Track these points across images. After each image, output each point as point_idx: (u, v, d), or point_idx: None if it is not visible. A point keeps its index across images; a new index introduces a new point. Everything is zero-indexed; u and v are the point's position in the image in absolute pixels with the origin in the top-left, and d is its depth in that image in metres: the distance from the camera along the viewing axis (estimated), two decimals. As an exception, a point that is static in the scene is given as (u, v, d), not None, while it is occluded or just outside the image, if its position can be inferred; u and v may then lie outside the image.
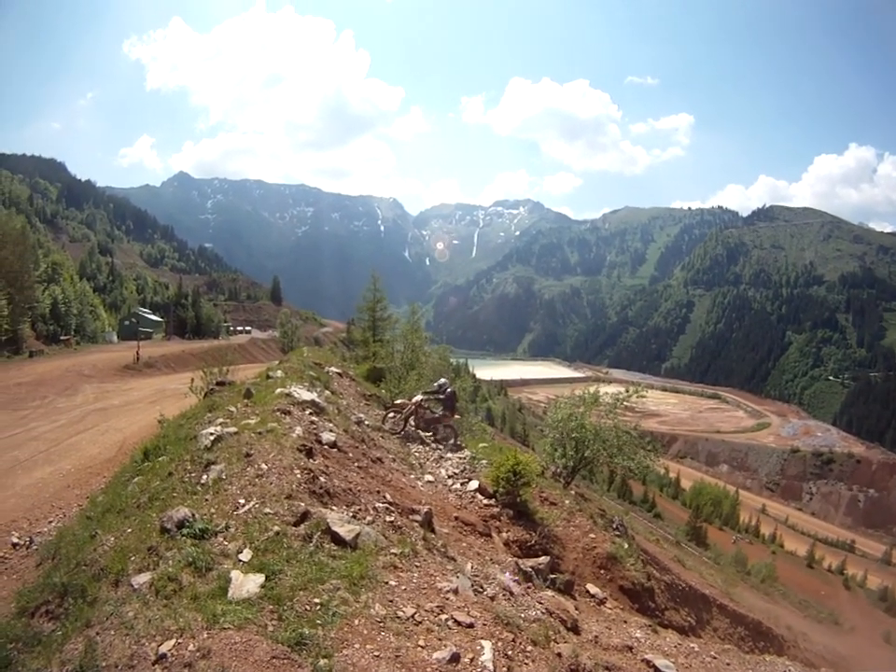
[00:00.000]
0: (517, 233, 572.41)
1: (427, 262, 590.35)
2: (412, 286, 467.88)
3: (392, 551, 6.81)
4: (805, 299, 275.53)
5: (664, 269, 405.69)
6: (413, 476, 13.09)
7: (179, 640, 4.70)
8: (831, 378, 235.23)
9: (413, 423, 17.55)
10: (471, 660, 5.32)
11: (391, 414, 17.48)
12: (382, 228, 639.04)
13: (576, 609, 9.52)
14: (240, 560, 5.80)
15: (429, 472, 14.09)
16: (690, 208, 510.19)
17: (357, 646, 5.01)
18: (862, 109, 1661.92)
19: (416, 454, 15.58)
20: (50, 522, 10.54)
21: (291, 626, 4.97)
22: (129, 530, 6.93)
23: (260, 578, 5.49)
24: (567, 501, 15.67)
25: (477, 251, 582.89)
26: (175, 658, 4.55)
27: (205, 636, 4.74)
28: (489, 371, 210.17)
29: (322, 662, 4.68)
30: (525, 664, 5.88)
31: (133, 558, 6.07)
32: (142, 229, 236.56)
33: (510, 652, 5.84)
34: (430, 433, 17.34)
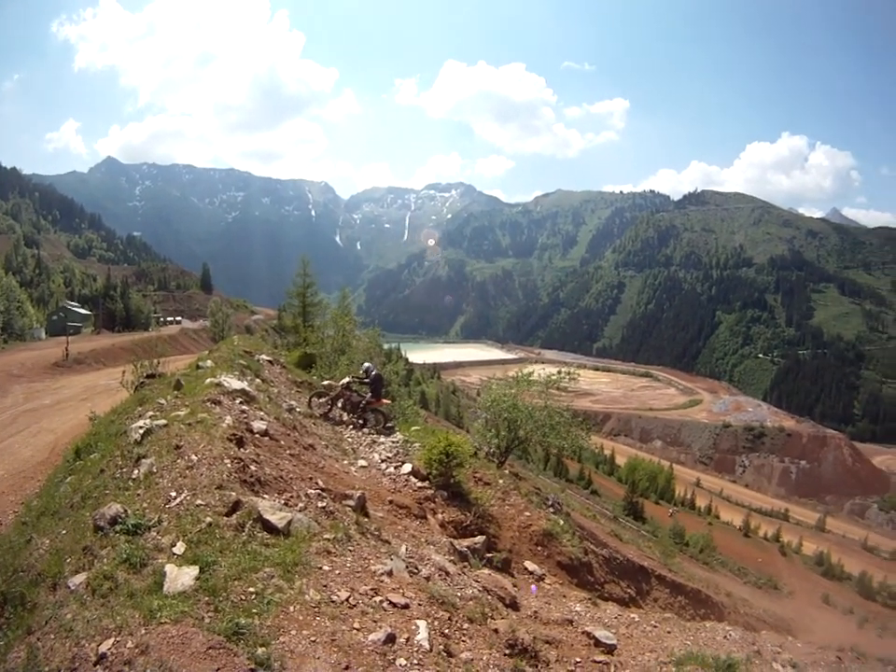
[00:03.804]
0: (449, 216, 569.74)
1: (359, 246, 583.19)
2: (343, 270, 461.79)
3: (325, 536, 6.82)
4: (734, 280, 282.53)
5: (595, 251, 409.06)
6: (346, 462, 13.05)
7: (118, 639, 4.70)
8: (760, 356, 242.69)
9: (340, 406, 17.48)
10: (407, 640, 5.42)
11: (318, 399, 17.36)
12: (313, 212, 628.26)
13: (514, 587, 9.62)
14: (174, 553, 5.77)
15: (363, 457, 14.01)
16: (622, 192, 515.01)
17: (293, 632, 5.06)
18: (796, 100, 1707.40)
19: (349, 439, 15.51)
20: (-14, 532, 10.24)
21: (227, 617, 4.99)
22: (63, 532, 6.86)
23: (195, 570, 5.47)
24: (501, 481, 15.84)
25: (408, 234, 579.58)
26: (114, 657, 4.54)
27: (143, 632, 4.73)
28: (422, 354, 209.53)
29: (260, 650, 4.71)
30: (463, 641, 5.99)
31: (68, 560, 6.02)
32: (69, 218, 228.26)
33: (446, 631, 5.93)
34: (359, 418, 17.21)
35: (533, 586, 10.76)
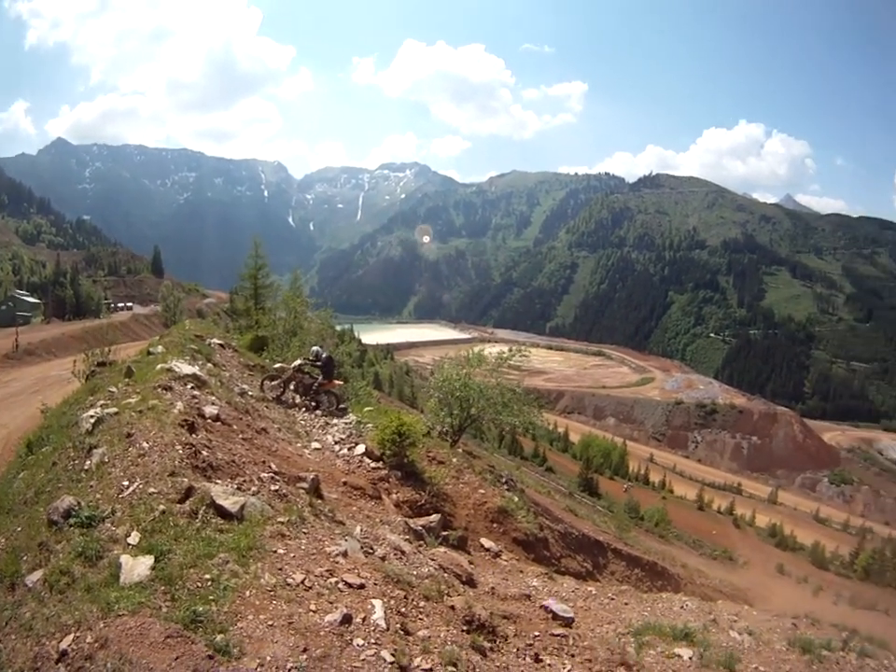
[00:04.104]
0: (403, 196, 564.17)
1: (312, 227, 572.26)
2: (296, 251, 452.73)
3: (279, 519, 6.83)
4: (687, 261, 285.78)
5: (548, 231, 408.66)
6: (299, 444, 13.02)
7: (77, 634, 4.69)
8: (712, 335, 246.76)
9: (293, 389, 17.42)
10: (363, 619, 5.46)
11: (270, 381, 17.25)
12: (266, 193, 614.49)
13: (471, 564, 9.77)
14: (129, 544, 5.75)
15: (316, 439, 13.98)
16: (577, 173, 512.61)
17: (250, 617, 5.09)
18: (756, 88, 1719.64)
19: (302, 422, 15.44)
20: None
21: (184, 605, 5.00)
22: (19, 529, 6.78)
23: (150, 560, 5.46)
24: (454, 459, 16.04)
25: (362, 214, 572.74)
26: (75, 652, 4.55)
27: (102, 625, 4.73)
28: (375, 335, 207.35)
29: (218, 637, 4.74)
30: (420, 619, 6.03)
31: (25, 557, 5.98)
32: (17, 203, 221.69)
33: (403, 609, 5.98)
34: (312, 400, 17.17)
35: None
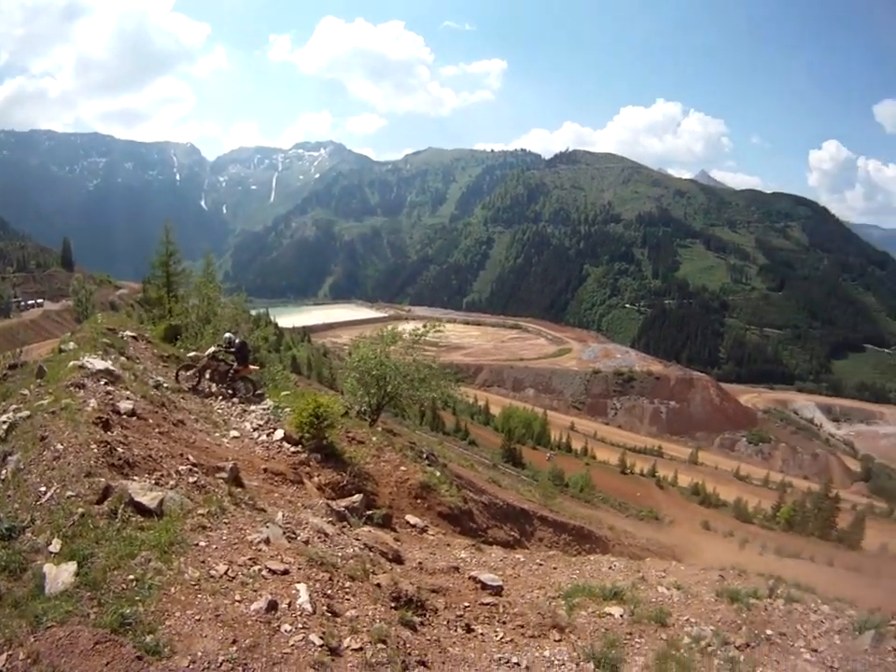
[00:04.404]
0: (317, 176, 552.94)
1: (225, 210, 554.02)
2: (209, 236, 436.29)
3: (199, 512, 6.81)
4: (602, 235, 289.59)
5: (464, 208, 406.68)
6: (217, 434, 12.87)
7: (10, 652, 4.62)
8: (627, 306, 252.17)
9: (208, 377, 17.12)
10: (289, 605, 5.55)
11: (185, 371, 16.84)
12: (178, 176, 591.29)
13: (397, 541, 9.91)
14: (51, 552, 5.64)
15: (234, 428, 13.83)
16: (493, 150, 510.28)
17: (177, 614, 5.11)
18: (675, 68, 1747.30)
19: (219, 410, 15.23)
20: None
21: (111, 609, 4.98)
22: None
23: (73, 566, 5.40)
24: (374, 438, 16.09)
25: (276, 195, 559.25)
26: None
27: (32, 640, 4.67)
28: (292, 318, 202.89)
29: (147, 638, 4.75)
30: (347, 599, 6.14)
31: (-50, 578, 5.79)
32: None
33: (328, 591, 6.07)
34: (228, 387, 16.93)
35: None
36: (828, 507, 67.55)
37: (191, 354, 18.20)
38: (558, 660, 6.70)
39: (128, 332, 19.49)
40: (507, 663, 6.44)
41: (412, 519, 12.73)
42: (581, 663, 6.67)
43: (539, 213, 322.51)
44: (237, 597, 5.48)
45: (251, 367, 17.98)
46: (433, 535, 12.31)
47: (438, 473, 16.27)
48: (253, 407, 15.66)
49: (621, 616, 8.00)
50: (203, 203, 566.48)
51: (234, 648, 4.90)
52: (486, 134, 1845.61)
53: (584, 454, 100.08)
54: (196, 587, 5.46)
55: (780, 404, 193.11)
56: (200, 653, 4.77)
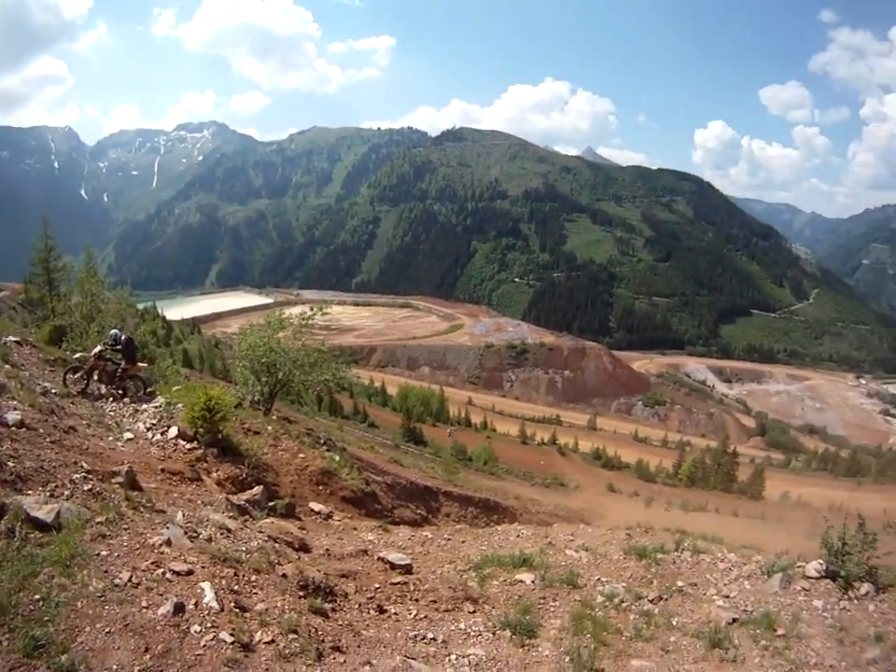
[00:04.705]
0: (200, 158, 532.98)
1: (106, 199, 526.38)
2: (91, 227, 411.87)
3: (97, 520, 6.59)
4: (489, 211, 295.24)
5: (350, 188, 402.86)
6: (111, 438, 12.31)
7: None
8: (517, 280, 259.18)
9: (97, 379, 16.33)
10: (196, 605, 5.49)
11: (72, 374, 15.91)
12: (56, 164, 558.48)
13: (302, 529, 9.86)
14: (-48, 584, 5.37)
15: (128, 429, 13.25)
16: (379, 128, 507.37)
17: (87, 629, 4.96)
18: (562, 48, 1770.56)
19: (111, 413, 14.51)
20: None
21: (22, 633, 4.75)
22: None
23: (-23, 593, 5.17)
24: (270, 427, 15.92)
25: (158, 181, 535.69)
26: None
27: None
28: (180, 309, 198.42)
29: (62, 658, 4.60)
30: (255, 593, 6.12)
31: None
32: None
33: (235, 587, 6.04)
34: (118, 388, 16.21)
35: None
36: (727, 461, 71.71)
37: (78, 355, 17.38)
38: (474, 631, 6.83)
39: (11, 338, 18.53)
40: (423, 639, 6.52)
41: (315, 506, 12.60)
42: (497, 631, 6.82)
43: (425, 191, 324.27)
44: (144, 604, 5.37)
45: (140, 364, 17.32)
46: (338, 520, 12.27)
47: (337, 458, 16.22)
48: (145, 406, 15.07)
49: (532, 582, 8.21)
50: (83, 191, 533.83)
51: (148, 656, 4.83)
52: (373, 113, 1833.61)
53: (484, 427, 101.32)
54: (102, 599, 5.30)
55: (673, 368, 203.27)
56: (115, 667, 4.68)
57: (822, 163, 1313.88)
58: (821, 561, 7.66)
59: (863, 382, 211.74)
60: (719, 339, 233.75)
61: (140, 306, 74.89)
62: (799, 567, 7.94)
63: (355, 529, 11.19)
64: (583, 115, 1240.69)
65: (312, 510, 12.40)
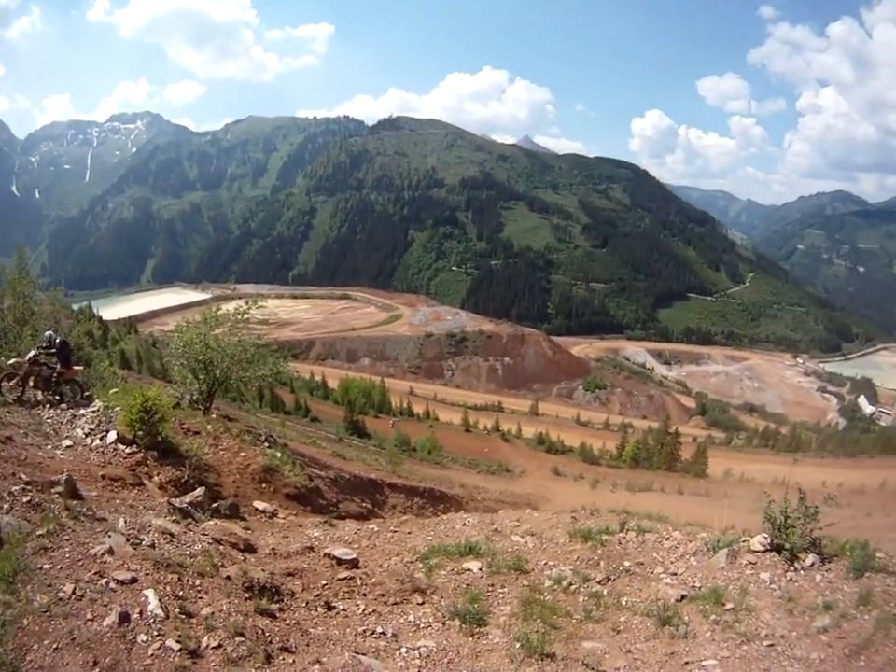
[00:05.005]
0: (134, 150, 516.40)
1: (38, 194, 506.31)
2: (23, 225, 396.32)
3: (38, 533, 6.47)
4: (426, 200, 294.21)
5: (286, 178, 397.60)
6: (49, 446, 12.02)
7: None
8: (454, 268, 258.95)
9: (32, 385, 15.84)
10: (140, 613, 5.42)
11: (7, 382, 15.49)
12: None
13: (247, 529, 9.78)
14: None
15: (66, 436, 12.93)
16: (315, 117, 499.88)
17: (35, 647, 4.88)
18: (500, 37, 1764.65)
19: (49, 420, 14.03)
20: None
21: None
22: None
23: (-76, 623, 5.05)
24: (209, 426, 15.72)
25: (91, 175, 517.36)
26: None
27: None
28: (116, 308, 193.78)
29: None
30: (200, 597, 6.06)
31: None
32: None
33: (179, 592, 5.97)
34: (54, 393, 15.76)
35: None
36: (670, 441, 72.94)
37: (12, 361, 16.86)
38: (424, 622, 6.89)
39: (-57, 349, 17.98)
40: (372, 634, 6.55)
41: (259, 505, 12.49)
42: (447, 621, 6.89)
43: (362, 180, 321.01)
44: (89, 616, 5.30)
45: (75, 367, 16.85)
46: (283, 518, 12.21)
47: (279, 454, 16.14)
48: (82, 411, 14.58)
49: (479, 570, 8.32)
50: (13, 187, 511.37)
51: (97, 670, 4.79)
52: (309, 101, 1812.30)
53: (427, 417, 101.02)
54: (47, 614, 5.22)
55: (612, 352, 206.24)
56: (66, 683, 4.64)
57: (758, 152, 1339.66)
58: (766, 535, 7.85)
59: (800, 361, 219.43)
60: (657, 323, 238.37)
61: (75, 307, 73.14)
62: (744, 541, 8.13)
63: (300, 526, 11.13)
64: (521, 104, 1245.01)
65: (256, 508, 12.29)
